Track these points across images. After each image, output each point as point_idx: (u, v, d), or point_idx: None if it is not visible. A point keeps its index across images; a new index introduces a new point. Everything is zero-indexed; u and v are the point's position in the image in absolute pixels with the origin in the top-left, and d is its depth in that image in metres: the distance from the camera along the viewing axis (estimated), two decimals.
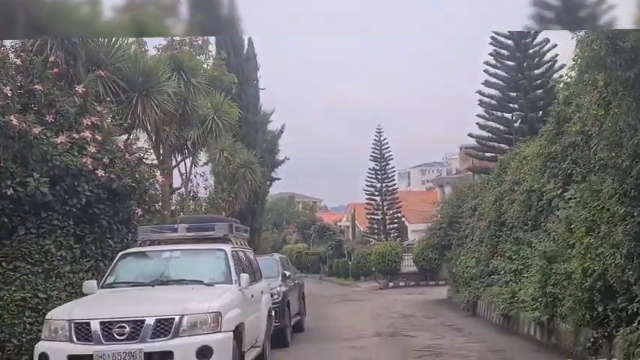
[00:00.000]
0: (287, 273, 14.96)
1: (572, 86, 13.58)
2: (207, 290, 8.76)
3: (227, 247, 9.67)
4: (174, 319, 7.59)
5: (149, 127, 16.41)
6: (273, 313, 11.95)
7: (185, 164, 22.44)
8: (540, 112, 24.19)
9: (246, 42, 33.50)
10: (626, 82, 7.64)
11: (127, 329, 7.51)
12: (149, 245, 10.26)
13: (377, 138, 43.90)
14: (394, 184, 45.12)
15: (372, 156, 44.04)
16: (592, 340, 9.79)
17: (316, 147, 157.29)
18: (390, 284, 35.66)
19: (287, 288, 14.60)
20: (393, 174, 44.66)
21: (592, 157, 11.21)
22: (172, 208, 19.66)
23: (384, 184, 44.16)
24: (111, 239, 11.61)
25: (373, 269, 37.96)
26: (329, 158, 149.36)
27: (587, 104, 9.84)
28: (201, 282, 9.06)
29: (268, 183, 37.11)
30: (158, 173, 14.74)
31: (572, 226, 11.07)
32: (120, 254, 9.84)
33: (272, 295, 13.50)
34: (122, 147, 12.99)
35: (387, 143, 43.84)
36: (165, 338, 7.50)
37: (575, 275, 10.34)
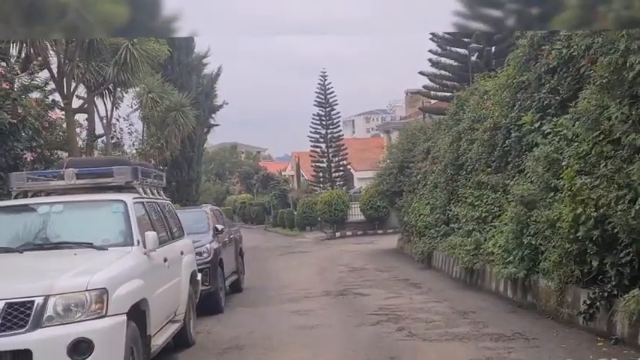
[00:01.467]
0: (219, 227, 12.66)
1: None
2: (95, 256, 6.40)
3: (128, 198, 7.28)
4: (34, 302, 5.21)
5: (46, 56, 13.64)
6: (200, 277, 9.70)
7: (105, 107, 19.68)
8: (496, 47, 22.09)
9: None
10: None
11: None
12: (27, 198, 7.77)
13: (321, 83, 41.49)
14: (340, 131, 42.90)
15: (316, 101, 41.69)
16: (587, 302, 7.89)
17: (262, 95, 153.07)
18: (337, 234, 33.88)
19: (219, 244, 12.34)
20: (338, 120, 42.43)
21: (584, 79, 9.20)
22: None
23: (329, 131, 41.92)
24: None
25: (319, 219, 36.01)
26: (275, 107, 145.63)
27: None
28: (90, 244, 6.68)
29: (205, 130, 34.44)
30: (59, 112, 12.06)
31: (557, 164, 9.09)
32: None
33: (200, 254, 11.26)
34: None
35: (331, 88, 41.52)
36: (19, 331, 5.14)
37: (563, 223, 8.39)
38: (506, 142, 12.37)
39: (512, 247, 10.12)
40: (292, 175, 57.11)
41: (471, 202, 13.88)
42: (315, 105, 41.65)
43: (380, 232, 33.60)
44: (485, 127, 13.74)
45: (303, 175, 50.04)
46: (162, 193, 9.19)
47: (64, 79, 14.87)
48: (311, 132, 42.10)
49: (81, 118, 22.10)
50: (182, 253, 8.69)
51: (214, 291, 11.44)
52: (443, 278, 14.98)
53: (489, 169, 13.78)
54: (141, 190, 7.90)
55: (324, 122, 41.71)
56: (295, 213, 40.28)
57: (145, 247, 6.89)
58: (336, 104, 41.67)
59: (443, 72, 24.31)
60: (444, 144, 17.51)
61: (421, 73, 24.51)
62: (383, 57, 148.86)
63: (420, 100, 45.83)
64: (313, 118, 41.74)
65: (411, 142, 22.82)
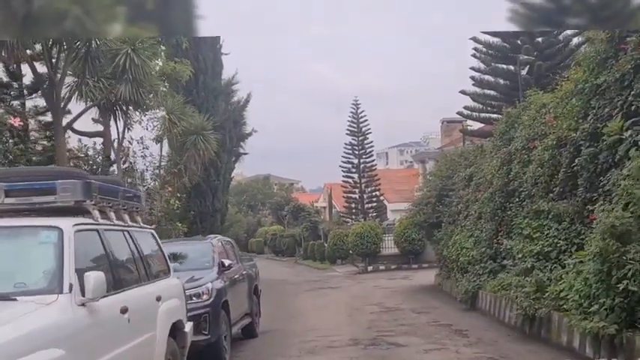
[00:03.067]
0: (227, 262, 10.32)
1: None
2: None
3: (66, 224, 5.00)
4: None
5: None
6: (189, 327, 7.34)
7: (117, 128, 17.69)
8: (549, 61, 19.30)
9: None
10: None
11: None
12: None
13: (354, 111, 39.24)
14: (373, 160, 40.42)
15: (348, 130, 39.33)
16: None
17: (295, 129, 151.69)
18: (370, 268, 31.26)
19: (225, 283, 9.99)
20: (371, 149, 39.88)
21: None
22: None
23: (361, 160, 39.51)
24: None
25: (351, 252, 33.44)
26: (308, 140, 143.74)
27: None
28: None
29: (234, 158, 32.41)
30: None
31: None
32: None
33: (199, 296, 8.95)
34: None
35: (364, 117, 39.19)
36: None
37: None
38: (576, 160, 9.84)
39: (597, 293, 7.55)
40: (324, 207, 54.69)
41: (528, 235, 11.33)
42: (347, 134, 39.40)
43: (415, 266, 30.99)
44: (546, 144, 11.24)
45: (335, 207, 47.62)
46: (138, 219, 6.90)
47: (54, 91, 12.85)
48: (343, 161, 39.80)
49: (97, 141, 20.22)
50: (159, 299, 6.34)
51: (215, 341, 9.06)
52: (493, 324, 12.34)
53: (551, 194, 11.25)
54: (96, 214, 5.62)
55: (356, 151, 39.35)
56: (326, 245, 37.79)
57: (83, 294, 4.58)
58: (369, 133, 39.39)
59: (487, 91, 21.67)
60: (490, 168, 15.02)
61: (462, 92, 21.90)
62: (417, 90, 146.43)
63: (455, 129, 43.36)
64: (345, 148, 39.48)
65: (450, 169, 20.33)
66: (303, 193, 73.17)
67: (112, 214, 6.05)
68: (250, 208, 65.53)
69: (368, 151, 39.51)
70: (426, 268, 30.00)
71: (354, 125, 39.11)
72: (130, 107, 16.90)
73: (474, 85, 21.82)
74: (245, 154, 34.36)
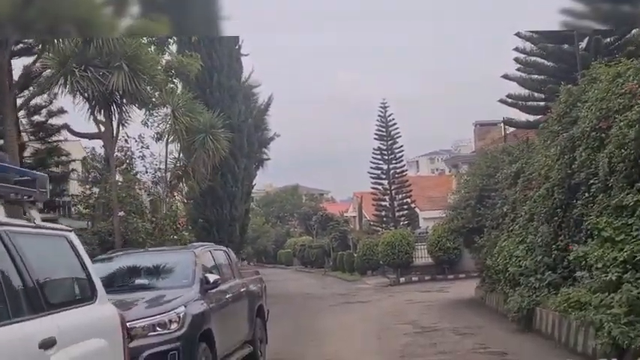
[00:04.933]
0: (213, 278, 7.64)
1: None
2: None
3: None
4: None
5: None
6: None
7: (112, 125, 15.26)
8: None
9: None
10: None
11: None
12: None
13: (382, 114, 36.41)
14: (403, 166, 37.38)
15: (377, 134, 36.45)
16: None
17: (322, 139, 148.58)
18: (402, 280, 28.35)
19: (210, 306, 7.31)
20: (401, 154, 36.77)
21: None
22: None
23: (391, 166, 36.58)
24: None
25: (381, 262, 30.54)
26: (339, 150, 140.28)
27: None
28: None
29: (255, 164, 29.91)
30: None
31: None
32: None
33: (165, 326, 6.30)
34: None
35: (393, 120, 36.34)
36: None
37: None
38: None
39: None
40: (354, 217, 51.85)
41: (609, 237, 8.43)
42: (375, 138, 36.51)
43: (450, 277, 28.05)
44: (630, 119, 8.37)
45: (365, 216, 44.76)
46: (33, 213, 4.28)
47: None
48: (372, 167, 36.85)
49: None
50: (48, 346, 3.69)
51: None
52: (561, 353, 9.45)
53: (638, 184, 8.37)
54: None
55: (385, 156, 36.44)
56: (355, 256, 34.94)
57: None
58: (399, 136, 36.42)
59: (535, 76, 18.36)
60: (545, 160, 12.17)
61: (505, 76, 18.75)
62: (444, 96, 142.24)
63: (489, 132, 40.22)
64: (374, 153, 36.55)
65: (492, 167, 17.45)
66: (332, 204, 70.40)
67: None
68: (279, 219, 62.97)
69: (398, 155, 36.57)
70: (462, 279, 27.12)
71: (383, 129, 36.30)
72: (125, 100, 14.44)
73: (518, 70, 18.64)
74: (267, 159, 31.88)
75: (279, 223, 61.92)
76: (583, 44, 16.73)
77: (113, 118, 14.80)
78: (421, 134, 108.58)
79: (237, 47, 27.00)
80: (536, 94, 17.94)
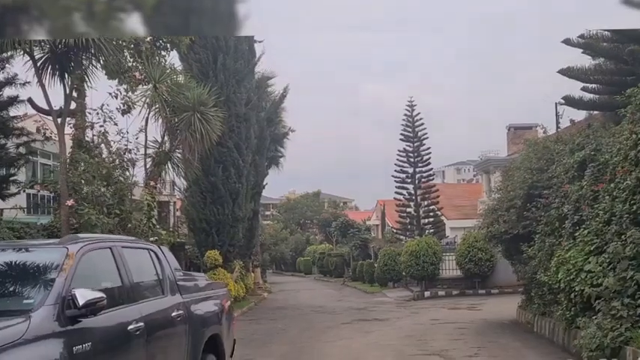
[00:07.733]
0: (91, 296, 3.94)
1: None
2: None
3: None
4: None
5: None
6: None
7: (66, 92, 11.75)
8: None
9: None
10: None
11: None
12: None
13: (408, 113, 32.56)
14: (430, 169, 33.37)
15: (402, 135, 32.56)
16: None
17: (350, 146, 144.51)
18: (426, 294, 24.49)
19: (73, 349, 3.66)
20: (428, 157, 32.64)
21: None
22: None
23: (417, 169, 32.64)
24: None
25: (404, 273, 26.66)
26: (364, 158, 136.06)
27: None
28: None
29: (267, 162, 26.32)
30: None
31: None
32: None
33: None
34: None
35: (420, 119, 32.50)
36: None
37: None
38: None
39: None
40: (377, 225, 47.94)
41: None
42: (401, 139, 32.63)
43: (482, 291, 24.28)
44: None
45: (388, 224, 40.88)
46: None
47: None
48: (396, 171, 32.90)
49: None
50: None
51: None
52: None
53: None
54: None
55: (411, 159, 32.51)
56: (376, 265, 31.09)
57: None
58: (426, 138, 32.49)
59: (601, 66, 14.02)
60: (629, 142, 8.35)
61: (561, 72, 14.39)
62: (474, 105, 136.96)
63: (524, 136, 36.23)
64: (399, 154, 32.63)
65: (544, 159, 13.60)
66: (355, 212, 66.50)
67: None
68: (300, 226, 59.31)
69: (425, 158, 32.56)
70: (496, 295, 23.35)
71: (409, 129, 32.43)
72: (84, 55, 10.97)
73: (583, 53, 14.33)
74: (281, 156, 28.28)
75: (300, 230, 58.25)
76: None
77: (66, 84, 11.34)
78: (447, 147, 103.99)
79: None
80: (604, 67, 13.77)
